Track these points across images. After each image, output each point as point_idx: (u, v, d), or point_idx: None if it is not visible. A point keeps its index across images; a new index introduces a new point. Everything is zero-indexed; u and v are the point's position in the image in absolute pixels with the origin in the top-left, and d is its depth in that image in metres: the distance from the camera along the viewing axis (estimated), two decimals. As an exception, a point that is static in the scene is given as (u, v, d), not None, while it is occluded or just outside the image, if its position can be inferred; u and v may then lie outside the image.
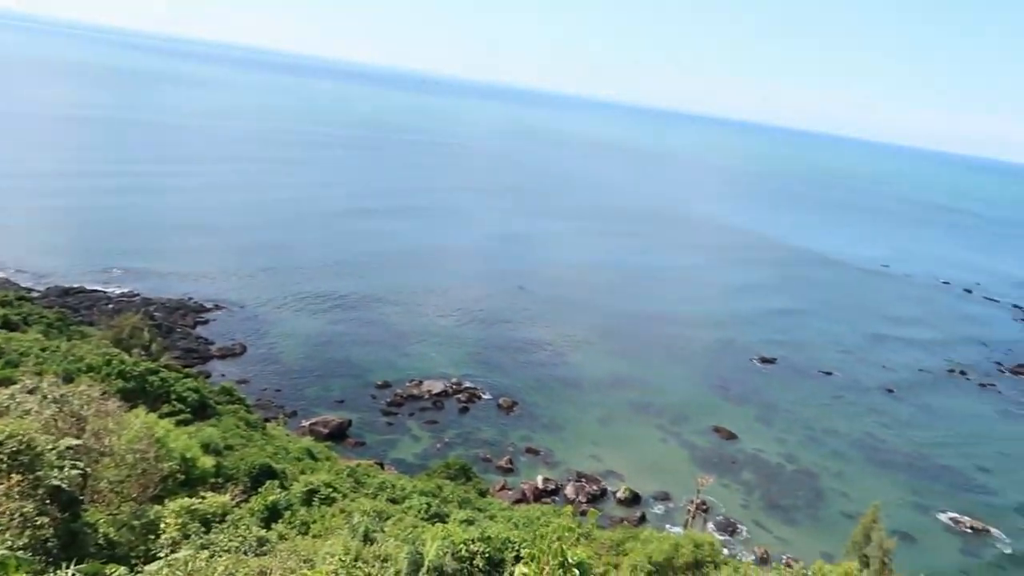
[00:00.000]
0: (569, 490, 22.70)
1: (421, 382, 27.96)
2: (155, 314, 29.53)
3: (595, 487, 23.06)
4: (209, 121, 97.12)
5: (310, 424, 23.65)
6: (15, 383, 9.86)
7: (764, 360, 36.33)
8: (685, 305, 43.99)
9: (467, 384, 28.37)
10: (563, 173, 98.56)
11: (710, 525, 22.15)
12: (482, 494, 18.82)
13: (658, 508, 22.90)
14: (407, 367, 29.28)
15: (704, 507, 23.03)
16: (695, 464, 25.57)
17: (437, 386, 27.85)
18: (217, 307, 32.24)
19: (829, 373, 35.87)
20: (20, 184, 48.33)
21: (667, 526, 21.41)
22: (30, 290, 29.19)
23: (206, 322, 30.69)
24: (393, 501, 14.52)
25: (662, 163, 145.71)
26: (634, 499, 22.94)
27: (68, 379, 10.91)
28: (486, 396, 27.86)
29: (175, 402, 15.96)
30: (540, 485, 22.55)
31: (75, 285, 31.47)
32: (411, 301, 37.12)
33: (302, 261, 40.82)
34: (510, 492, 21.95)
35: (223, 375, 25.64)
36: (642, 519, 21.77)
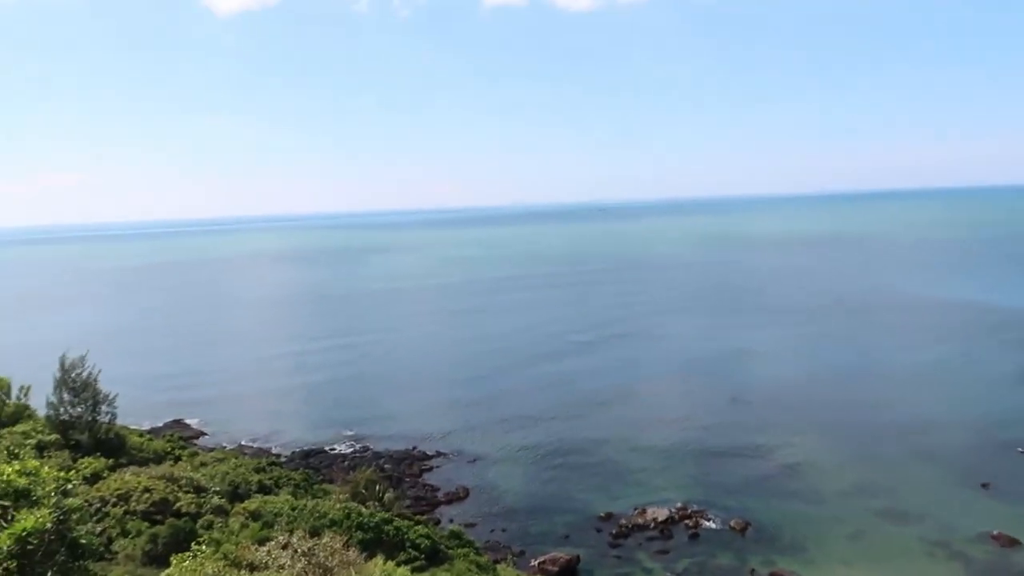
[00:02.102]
0: (827, 618, 20.37)
1: (645, 510, 27.00)
2: (385, 466, 31.32)
3: (857, 613, 20.51)
4: (406, 283, 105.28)
5: (539, 562, 23.38)
6: (271, 541, 10.79)
7: (1035, 449, 31.38)
8: (927, 399, 39.46)
9: (692, 508, 26.96)
10: (761, 275, 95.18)
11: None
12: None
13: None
14: (628, 496, 28.46)
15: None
16: (974, 579, 22.07)
17: (662, 513, 26.73)
18: (439, 455, 33.68)
19: (1124, 456, 30.18)
20: (260, 362, 54.56)
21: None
22: (279, 456, 32.10)
23: (430, 469, 32.03)
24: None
25: (864, 247, 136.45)
26: (907, 625, 20.09)
27: (314, 533, 11.76)
28: (714, 518, 26.21)
29: (410, 549, 16.54)
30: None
31: (314, 447, 34.37)
32: (622, 429, 36.59)
33: (513, 403, 41.98)
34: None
35: (451, 520, 26.29)
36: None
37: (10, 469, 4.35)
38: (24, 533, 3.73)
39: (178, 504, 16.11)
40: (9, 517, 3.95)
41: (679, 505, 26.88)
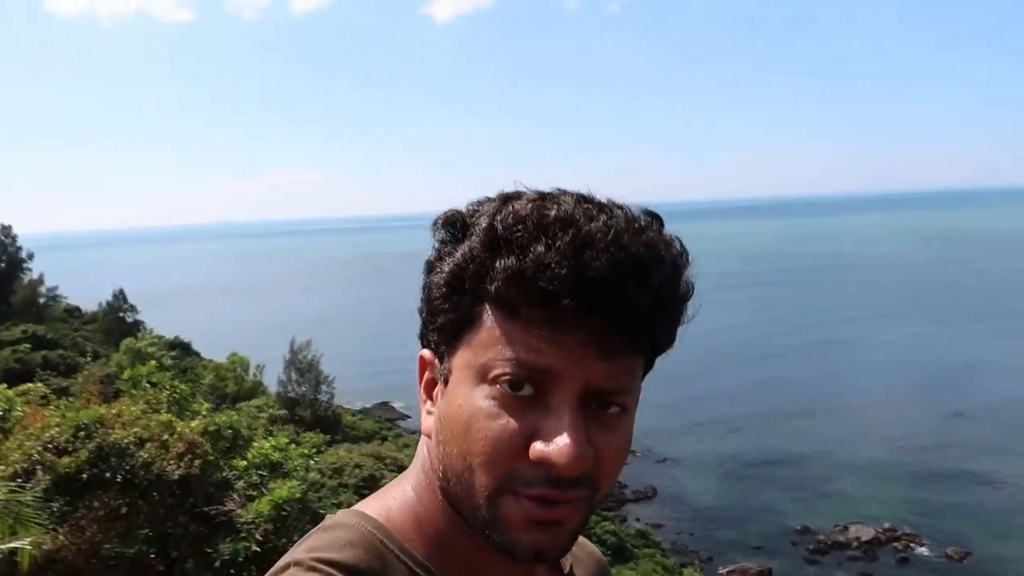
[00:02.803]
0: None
1: (847, 527, 25.30)
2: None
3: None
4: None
5: (727, 571, 22.70)
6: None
7: None
8: None
9: (903, 530, 24.86)
10: (997, 277, 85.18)
11: None
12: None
13: None
14: (828, 511, 26.80)
15: None
16: None
17: (866, 532, 24.92)
18: (631, 452, 33.69)
19: None
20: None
21: None
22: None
23: (619, 466, 32.14)
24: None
25: None
26: None
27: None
28: (930, 544, 23.97)
29: (596, 544, 16.80)
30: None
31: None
32: (827, 441, 34.42)
33: (710, 406, 40.91)
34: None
35: (637, 519, 26.21)
36: None
37: (267, 444, 5.16)
38: (281, 500, 4.44)
39: (383, 481, 17.48)
40: (267, 486, 4.71)
41: (887, 526, 24.92)
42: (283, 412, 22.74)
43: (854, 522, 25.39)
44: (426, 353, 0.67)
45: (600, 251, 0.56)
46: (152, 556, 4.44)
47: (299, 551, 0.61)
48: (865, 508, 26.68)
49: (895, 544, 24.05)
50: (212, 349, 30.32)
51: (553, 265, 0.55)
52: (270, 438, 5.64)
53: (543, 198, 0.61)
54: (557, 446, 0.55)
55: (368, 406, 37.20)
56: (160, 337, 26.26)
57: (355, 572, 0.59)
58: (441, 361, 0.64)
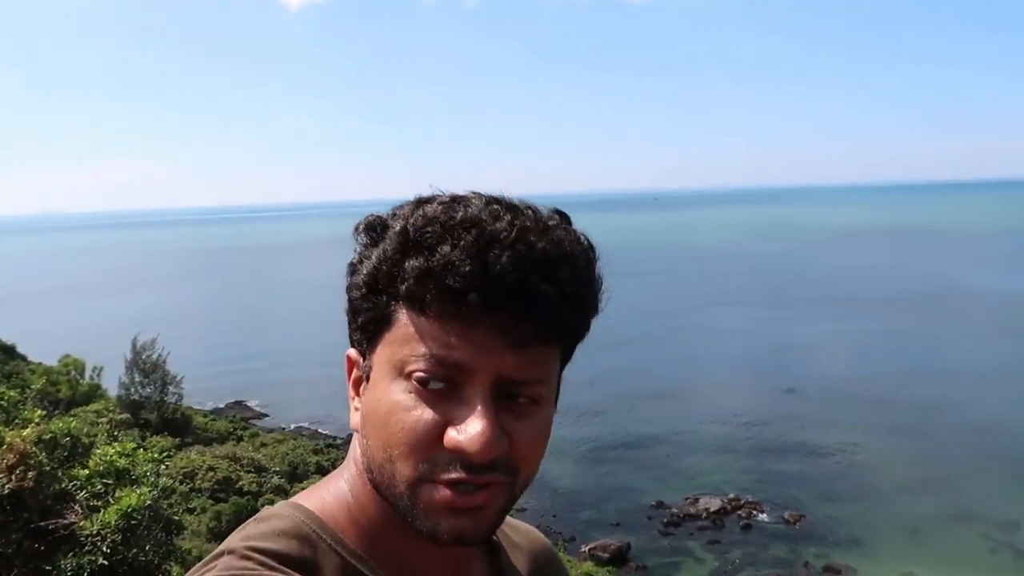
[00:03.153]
0: (883, 615, 20.05)
1: (697, 499, 26.88)
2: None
3: (915, 610, 20.13)
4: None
5: (589, 549, 23.53)
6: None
7: (1110, 445, 30.14)
8: (991, 390, 38.23)
9: (746, 499, 26.74)
10: (822, 267, 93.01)
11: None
12: (779, 620, 17.30)
13: (1000, 634, 19.34)
14: (680, 485, 28.36)
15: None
16: (1039, 579, 21.43)
17: (714, 503, 26.58)
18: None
19: None
20: (320, 347, 55.79)
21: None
22: (335, 438, 32.92)
23: (482, 455, 32.46)
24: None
25: (934, 239, 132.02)
26: (967, 624, 19.66)
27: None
28: (768, 510, 25.94)
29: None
30: (847, 609, 20.20)
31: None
32: (675, 421, 36.40)
33: (567, 394, 41.82)
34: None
35: (502, 505, 26.66)
36: (981, 648, 18.51)
37: (112, 450, 4.81)
38: (129, 509, 4.16)
39: (240, 483, 16.80)
40: (113, 495, 4.39)
41: (732, 496, 26.69)
42: (126, 416, 21.29)
43: (703, 494, 27.02)
44: (352, 352, 0.71)
45: (504, 248, 0.60)
46: (-21, 578, 4.05)
47: (234, 540, 0.64)
48: (712, 481, 28.50)
49: (739, 512, 25.81)
50: (42, 352, 27.80)
51: (457, 263, 0.59)
52: (115, 444, 5.28)
53: (454, 200, 0.64)
54: (469, 434, 0.59)
55: (221, 406, 35.52)
56: (-22, 340, 23.76)
57: (287, 560, 0.61)
58: (364, 359, 0.68)
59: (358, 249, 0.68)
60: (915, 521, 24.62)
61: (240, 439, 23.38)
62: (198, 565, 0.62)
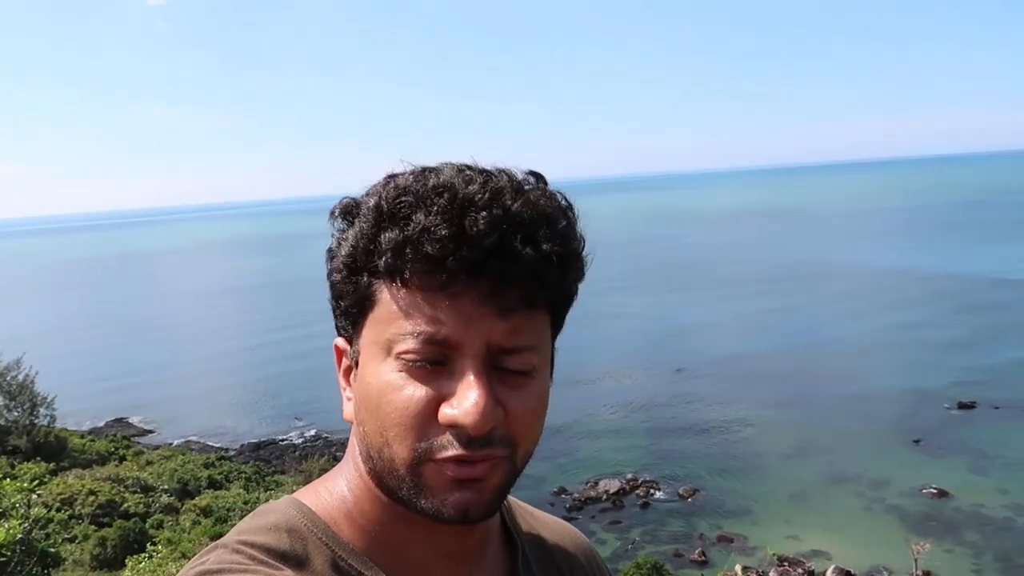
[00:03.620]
0: (772, 576, 21.20)
1: (597, 483, 27.56)
2: (337, 454, 31.19)
3: (800, 570, 21.28)
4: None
5: (494, 541, 23.78)
6: (227, 537, 10.77)
7: (962, 405, 32.87)
8: (859, 360, 41.11)
9: (643, 478, 27.66)
10: (703, 250, 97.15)
11: (941, 597, 19.86)
12: (679, 592, 18.00)
13: (876, 585, 20.85)
14: (580, 471, 28.99)
15: (929, 577, 20.73)
16: (908, 530, 23.12)
17: (613, 485, 27.32)
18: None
19: (1044, 407, 31.99)
20: (205, 356, 53.57)
21: (891, 604, 19.42)
22: (227, 450, 31.72)
23: (383, 455, 32.05)
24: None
25: (805, 219, 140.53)
26: (847, 578, 21.06)
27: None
28: (665, 488, 26.94)
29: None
30: (740, 574, 21.23)
31: (264, 439, 33.94)
32: (573, 407, 37.14)
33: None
34: (709, 586, 20.82)
35: (405, 504, 26.43)
36: (860, 599, 19.89)
37: None
38: None
39: (125, 505, 15.88)
40: None
41: (630, 476, 27.54)
42: (-9, 444, 19.70)
43: (603, 477, 27.73)
44: (339, 341, 0.67)
45: (479, 210, 0.58)
46: None
47: (229, 535, 0.64)
48: (611, 464, 29.31)
49: (638, 491, 26.66)
50: None
51: (432, 228, 0.58)
52: (-23, 477, 4.86)
53: (424, 171, 0.63)
54: (463, 408, 0.58)
55: (100, 425, 33.46)
56: None
57: (276, 554, 0.61)
58: (351, 345, 0.66)
59: (335, 234, 0.66)
60: (797, 487, 26.21)
61: (123, 459, 22.05)
62: (192, 560, 0.62)
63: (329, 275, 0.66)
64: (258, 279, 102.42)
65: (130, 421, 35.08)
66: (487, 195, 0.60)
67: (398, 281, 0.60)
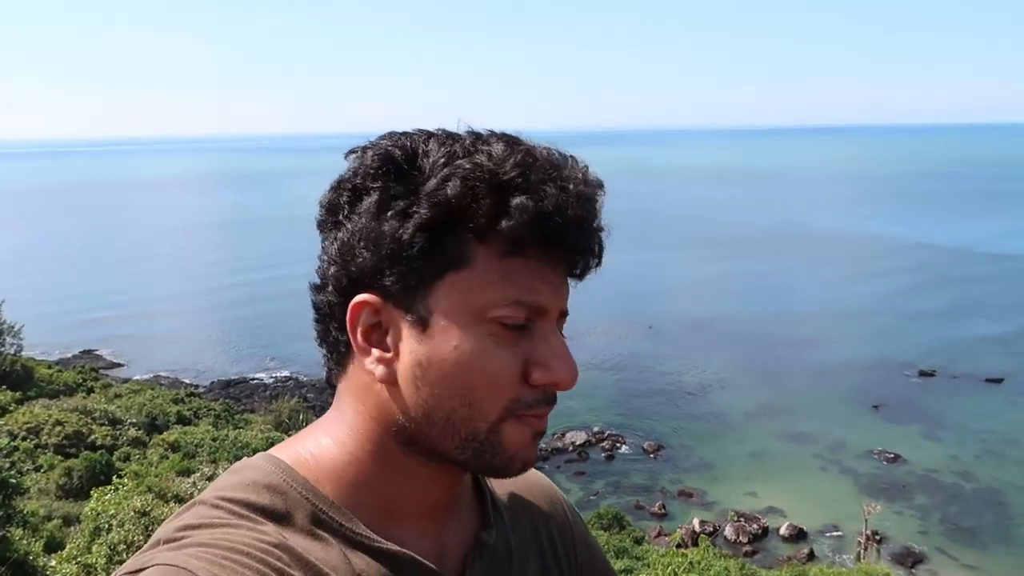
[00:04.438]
0: (728, 531, 21.74)
1: (563, 434, 28.01)
2: (307, 395, 31.26)
3: (755, 526, 21.99)
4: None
5: (460, 487, 24.14)
6: (194, 472, 10.87)
7: (922, 373, 33.76)
8: (827, 326, 41.82)
9: (609, 432, 28.16)
10: (678, 208, 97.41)
11: (886, 556, 20.67)
12: (638, 542, 18.47)
13: (826, 543, 21.53)
14: (549, 424, 29.41)
15: (877, 537, 21.50)
16: (861, 492, 23.90)
17: (580, 436, 27.79)
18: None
19: (999, 380, 32.81)
20: (178, 291, 53.03)
21: (839, 559, 20.16)
22: (197, 386, 31.68)
23: (353, 398, 32.20)
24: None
25: (776, 183, 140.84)
26: (799, 535, 21.65)
27: (238, 464, 11.86)
28: (630, 442, 27.48)
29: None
30: (697, 528, 21.83)
31: (235, 377, 33.93)
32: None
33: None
34: (666, 538, 21.43)
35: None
36: (810, 556, 20.45)
37: None
38: None
39: (93, 436, 15.88)
40: None
41: (596, 429, 28.01)
42: (-45, 370, 19.52)
43: (569, 429, 28.16)
44: (371, 297, 0.63)
45: (576, 185, 0.63)
46: None
47: (206, 492, 0.63)
48: (578, 416, 29.73)
49: (603, 444, 27.16)
50: None
51: (562, 205, 0.61)
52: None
53: (510, 139, 0.64)
54: (559, 370, 0.65)
55: (68, 356, 33.17)
56: None
57: (256, 508, 0.61)
58: (406, 305, 0.62)
59: (377, 186, 0.62)
60: (757, 446, 26.87)
61: (91, 391, 21.93)
62: (171, 517, 0.61)
63: (374, 232, 0.62)
64: (234, 216, 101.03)
65: (99, 353, 34.83)
66: (578, 171, 0.64)
67: (507, 249, 0.60)
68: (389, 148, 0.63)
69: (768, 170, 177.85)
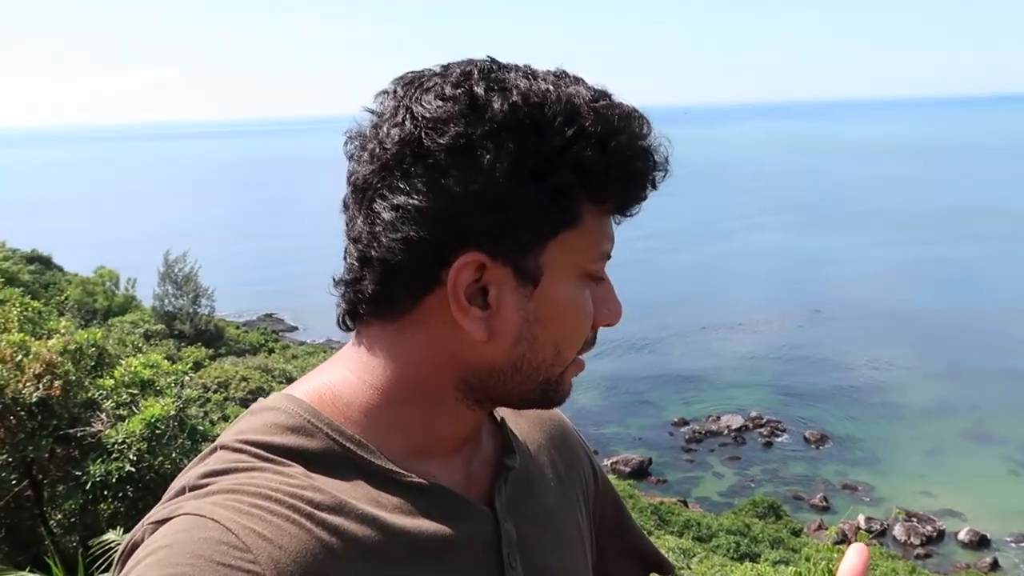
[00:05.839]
0: (898, 531, 20.26)
1: (719, 417, 27.24)
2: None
3: (930, 528, 20.33)
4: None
5: (612, 463, 24.06)
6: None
7: None
8: (1020, 323, 37.71)
9: (768, 417, 27.04)
10: (858, 185, 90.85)
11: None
12: (795, 533, 17.70)
13: (1014, 553, 19.51)
14: (703, 403, 28.67)
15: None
16: (1058, 502, 21.56)
17: (736, 421, 26.92)
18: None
19: None
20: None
21: (1029, 574, 18.27)
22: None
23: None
24: (699, 539, 14.28)
25: (962, 157, 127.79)
26: (982, 542, 19.76)
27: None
28: (790, 429, 26.24)
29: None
30: (862, 525, 20.50)
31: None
32: (699, 338, 36.51)
33: (610, 330, 42.12)
34: (825, 532, 20.33)
35: (526, 419, 27.18)
36: (994, 565, 18.62)
37: (136, 362, 4.94)
38: (153, 419, 4.32)
39: (271, 392, 17.24)
40: (138, 405, 4.55)
41: (754, 414, 27.00)
42: (161, 327, 21.84)
43: (726, 412, 27.36)
44: (480, 256, 0.59)
45: (661, 148, 0.64)
46: (14, 481, 4.24)
47: (227, 435, 0.62)
48: (735, 399, 28.81)
49: (761, 430, 26.16)
50: (77, 263, 28.37)
51: (652, 167, 0.63)
52: (139, 355, 5.41)
53: (594, 89, 0.63)
54: (617, 312, 0.69)
55: (253, 319, 36.24)
56: (15, 250, 24.16)
57: (281, 450, 0.60)
58: (516, 264, 0.61)
59: (494, 144, 0.57)
60: (935, 443, 24.78)
61: (271, 351, 23.89)
62: (193, 461, 0.61)
63: (492, 189, 0.58)
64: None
65: (279, 317, 37.72)
66: (650, 126, 0.64)
67: (605, 205, 0.63)
68: (504, 103, 0.58)
69: (953, 143, 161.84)
